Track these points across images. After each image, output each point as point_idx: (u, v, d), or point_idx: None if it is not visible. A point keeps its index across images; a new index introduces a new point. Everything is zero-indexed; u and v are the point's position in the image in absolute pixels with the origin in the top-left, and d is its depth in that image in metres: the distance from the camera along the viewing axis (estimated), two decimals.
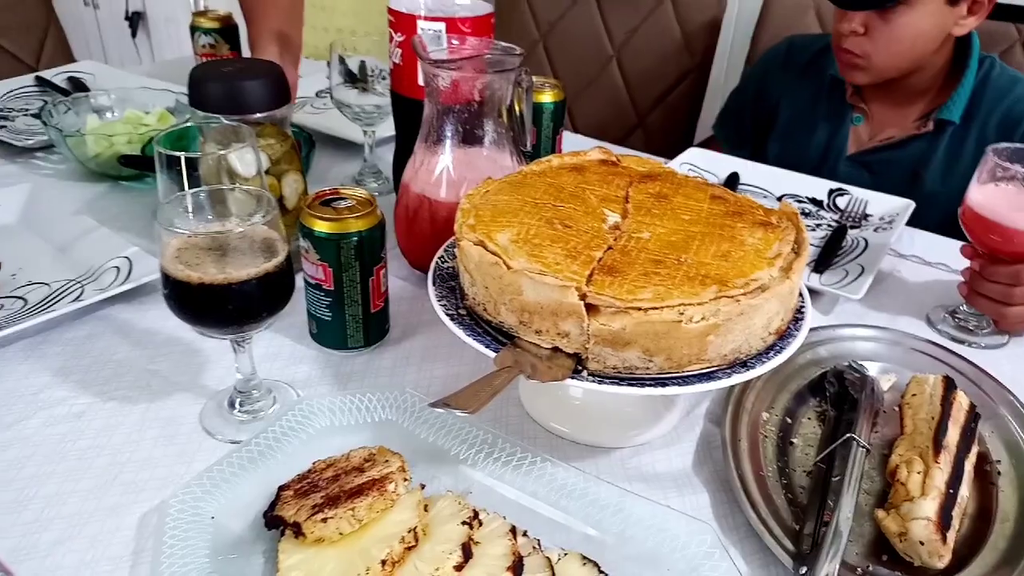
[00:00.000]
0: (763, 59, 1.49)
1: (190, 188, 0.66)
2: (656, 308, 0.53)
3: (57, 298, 0.79)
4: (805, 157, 1.32)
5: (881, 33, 1.13)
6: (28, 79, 1.35)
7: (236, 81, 0.77)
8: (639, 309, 0.53)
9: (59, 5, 1.83)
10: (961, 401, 0.65)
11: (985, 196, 0.78)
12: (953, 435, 0.61)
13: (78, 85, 1.32)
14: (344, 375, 0.73)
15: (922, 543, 0.54)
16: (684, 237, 0.60)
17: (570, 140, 1.24)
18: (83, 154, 1.01)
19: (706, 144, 1.56)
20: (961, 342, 0.82)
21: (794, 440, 0.67)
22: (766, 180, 1.11)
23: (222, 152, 0.70)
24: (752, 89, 1.48)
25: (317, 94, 1.35)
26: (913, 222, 1.02)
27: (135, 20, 3.12)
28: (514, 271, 0.55)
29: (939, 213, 1.03)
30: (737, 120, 1.51)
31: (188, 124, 0.96)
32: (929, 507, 0.55)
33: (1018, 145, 0.79)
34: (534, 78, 0.87)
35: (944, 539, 0.54)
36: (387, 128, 1.12)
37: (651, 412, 0.69)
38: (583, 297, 0.54)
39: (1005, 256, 0.78)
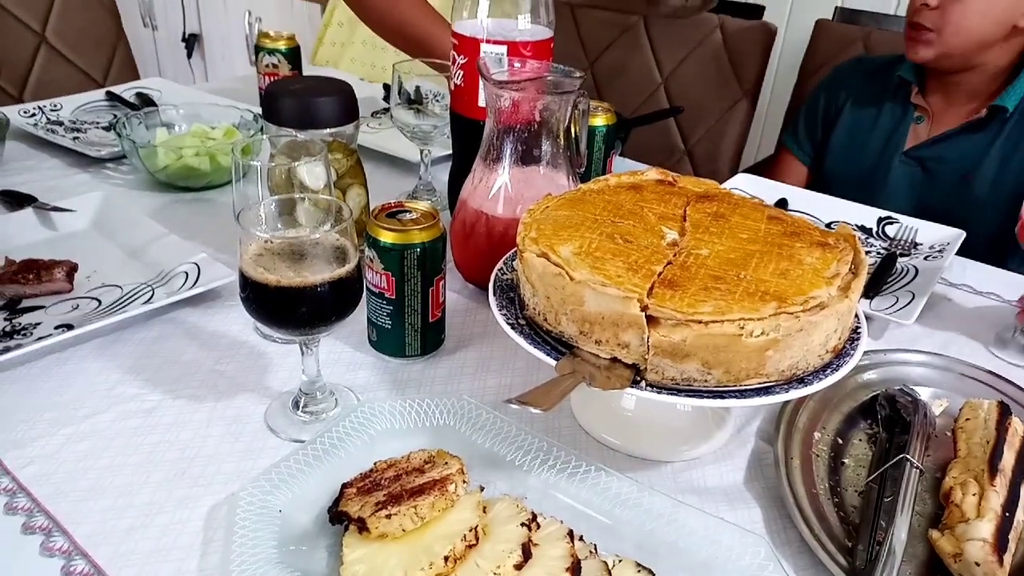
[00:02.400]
0: (834, 69, 1.54)
1: (262, 197, 0.70)
2: (717, 321, 0.54)
3: (129, 300, 0.83)
4: (865, 154, 1.37)
5: (954, 7, 1.17)
6: (99, 94, 1.42)
7: (308, 98, 0.80)
8: (700, 322, 0.54)
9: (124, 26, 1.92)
10: (1016, 427, 0.65)
11: None
12: (1009, 459, 0.61)
13: (146, 100, 1.38)
14: (401, 382, 0.75)
15: (978, 564, 0.54)
16: (743, 255, 0.62)
17: (619, 164, 1.26)
18: (153, 165, 1.06)
19: (763, 163, 1.58)
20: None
21: (845, 460, 0.67)
22: (814, 206, 1.11)
23: (293, 164, 0.74)
24: (822, 96, 1.51)
25: (373, 114, 1.39)
26: (956, 225, 1.04)
27: (191, 41, 3.24)
28: (577, 282, 0.57)
29: (988, 224, 1.04)
30: (808, 127, 1.53)
31: (255, 138, 1.00)
32: (985, 528, 0.55)
33: None
34: (590, 102, 0.89)
35: (1001, 561, 0.54)
36: (440, 148, 1.15)
37: (702, 427, 0.70)
38: (644, 308, 0.55)
39: None
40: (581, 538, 0.56)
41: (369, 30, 1.38)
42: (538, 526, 0.55)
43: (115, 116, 1.25)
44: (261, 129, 1.11)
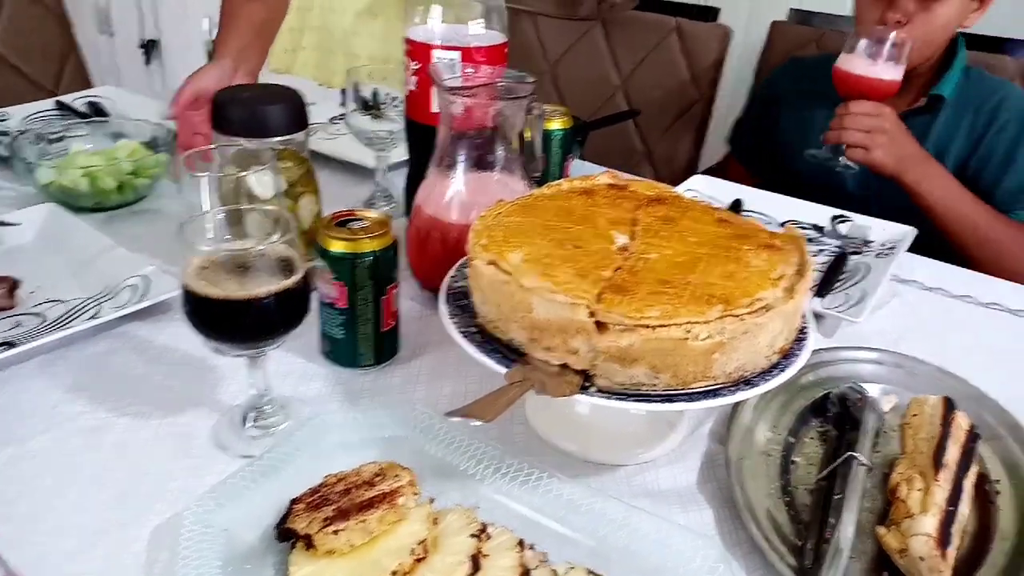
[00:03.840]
0: (767, 77, 1.59)
1: (210, 208, 0.68)
2: (663, 326, 0.54)
3: (74, 315, 0.81)
4: (811, 146, 1.38)
5: (922, 22, 1.20)
6: (48, 103, 1.38)
7: (257, 106, 0.79)
8: (647, 327, 0.54)
9: (77, 33, 1.87)
10: (961, 421, 0.66)
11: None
12: (953, 454, 0.62)
13: (98, 110, 1.36)
14: (355, 392, 0.75)
15: (922, 559, 0.54)
16: (691, 258, 0.62)
17: (578, 167, 1.27)
18: (37, 183, 1.02)
19: (718, 167, 1.60)
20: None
21: (796, 459, 0.68)
22: (769, 206, 1.13)
23: (241, 174, 0.73)
24: (757, 106, 1.55)
25: (331, 120, 1.38)
26: (910, 217, 1.09)
27: (149, 48, 3.18)
28: (525, 289, 0.57)
29: None
30: (753, 128, 1.56)
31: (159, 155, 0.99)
32: (929, 523, 0.55)
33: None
34: (545, 106, 0.90)
35: (944, 555, 0.54)
36: (398, 154, 1.15)
37: (655, 430, 0.70)
38: (592, 315, 0.55)
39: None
40: (532, 547, 0.55)
41: (317, 35, 1.37)
42: (488, 536, 0.55)
43: (7, 133, 1.22)
44: (171, 145, 1.09)
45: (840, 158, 1.18)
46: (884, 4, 1.21)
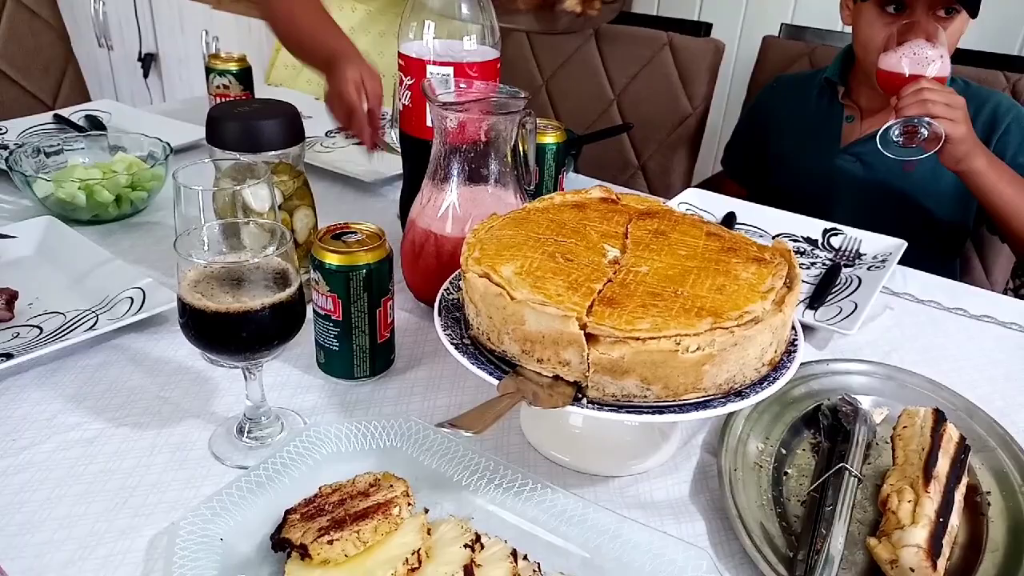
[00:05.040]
0: (757, 96, 1.61)
1: (205, 222, 0.69)
2: (654, 338, 0.55)
3: (72, 327, 0.81)
4: (803, 161, 1.41)
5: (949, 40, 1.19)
6: (47, 117, 1.39)
7: (252, 121, 0.80)
8: (637, 339, 0.55)
9: (75, 46, 1.89)
10: (951, 433, 0.67)
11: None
12: (943, 465, 0.63)
13: (95, 123, 1.36)
14: (350, 403, 0.75)
15: (913, 570, 0.55)
16: (681, 271, 0.63)
17: (572, 180, 1.28)
18: (34, 195, 1.03)
19: (712, 181, 1.62)
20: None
21: (788, 471, 0.68)
22: (762, 220, 1.14)
23: (237, 188, 0.74)
24: (748, 124, 1.58)
25: (327, 134, 1.39)
26: (903, 223, 1.09)
27: (148, 61, 3.20)
28: (517, 301, 0.58)
29: (930, 212, 1.16)
30: (744, 147, 1.59)
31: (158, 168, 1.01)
32: (919, 535, 0.56)
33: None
34: (538, 120, 0.91)
35: (934, 567, 0.55)
36: (394, 166, 1.16)
37: (648, 442, 0.71)
38: (583, 327, 0.56)
39: None
40: (526, 557, 0.56)
41: None
42: (482, 546, 0.55)
43: (5, 147, 1.23)
44: (167, 158, 1.10)
45: (923, 129, 1.09)
46: (898, 30, 1.18)
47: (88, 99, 1.80)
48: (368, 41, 1.62)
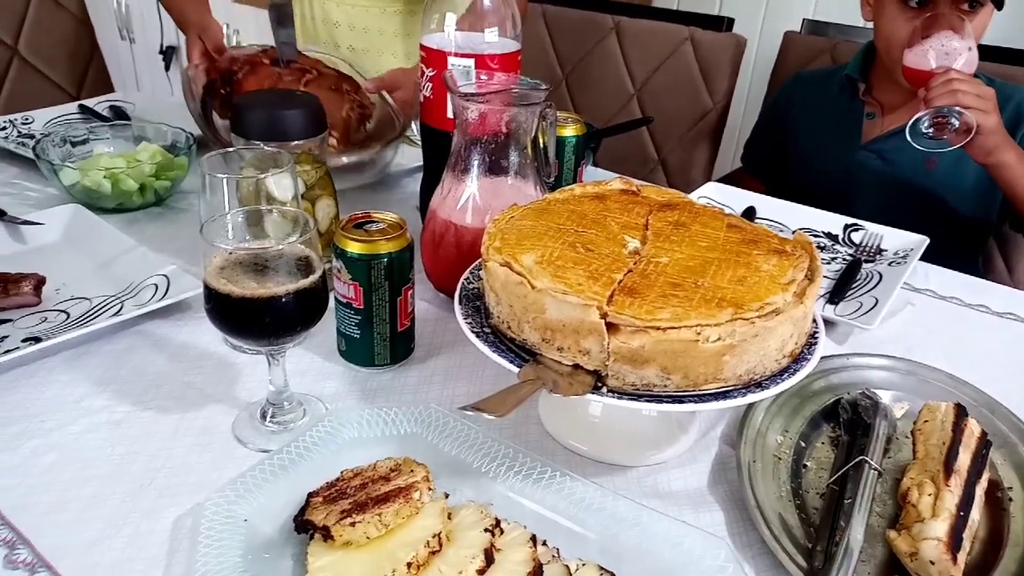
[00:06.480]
0: (777, 92, 1.60)
1: (230, 209, 0.70)
2: (674, 328, 0.55)
3: (98, 312, 0.83)
4: (824, 157, 1.40)
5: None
6: (72, 107, 1.41)
7: (277, 111, 0.81)
8: (658, 328, 0.55)
9: (98, 38, 1.91)
10: (972, 428, 0.66)
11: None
12: (964, 460, 0.62)
13: (120, 114, 1.38)
14: (370, 391, 0.76)
15: (933, 563, 0.55)
16: (701, 262, 0.63)
17: (591, 174, 1.28)
18: (61, 184, 1.05)
19: (732, 177, 1.62)
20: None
21: (808, 463, 0.68)
22: (782, 214, 1.13)
23: (261, 176, 0.75)
24: (769, 120, 1.58)
25: None
26: (924, 220, 1.08)
27: (169, 54, 3.23)
28: (538, 290, 0.58)
29: (952, 209, 1.14)
30: (764, 145, 1.58)
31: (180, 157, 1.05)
32: (940, 528, 0.56)
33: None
34: (558, 113, 0.91)
35: (955, 560, 0.55)
36: (414, 158, 1.16)
37: (667, 432, 0.71)
38: (604, 316, 0.56)
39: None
40: (544, 543, 0.56)
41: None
42: (501, 531, 0.56)
43: (32, 136, 1.25)
44: (190, 148, 1.12)
45: (953, 119, 1.07)
46: (922, 24, 1.17)
47: (112, 90, 1.82)
48: (413, 43, 1.62)
